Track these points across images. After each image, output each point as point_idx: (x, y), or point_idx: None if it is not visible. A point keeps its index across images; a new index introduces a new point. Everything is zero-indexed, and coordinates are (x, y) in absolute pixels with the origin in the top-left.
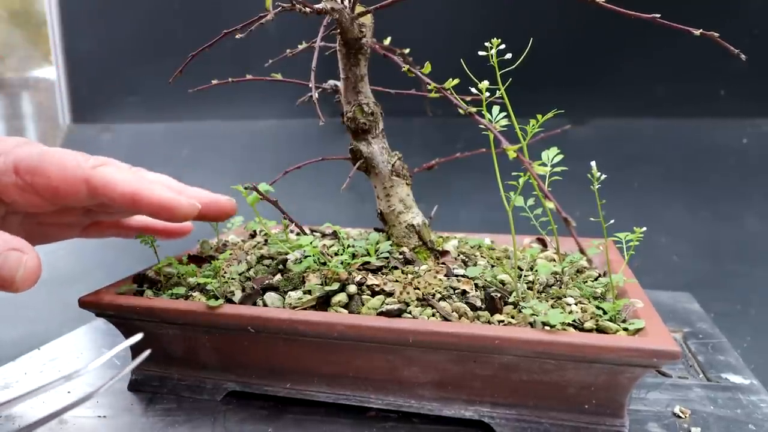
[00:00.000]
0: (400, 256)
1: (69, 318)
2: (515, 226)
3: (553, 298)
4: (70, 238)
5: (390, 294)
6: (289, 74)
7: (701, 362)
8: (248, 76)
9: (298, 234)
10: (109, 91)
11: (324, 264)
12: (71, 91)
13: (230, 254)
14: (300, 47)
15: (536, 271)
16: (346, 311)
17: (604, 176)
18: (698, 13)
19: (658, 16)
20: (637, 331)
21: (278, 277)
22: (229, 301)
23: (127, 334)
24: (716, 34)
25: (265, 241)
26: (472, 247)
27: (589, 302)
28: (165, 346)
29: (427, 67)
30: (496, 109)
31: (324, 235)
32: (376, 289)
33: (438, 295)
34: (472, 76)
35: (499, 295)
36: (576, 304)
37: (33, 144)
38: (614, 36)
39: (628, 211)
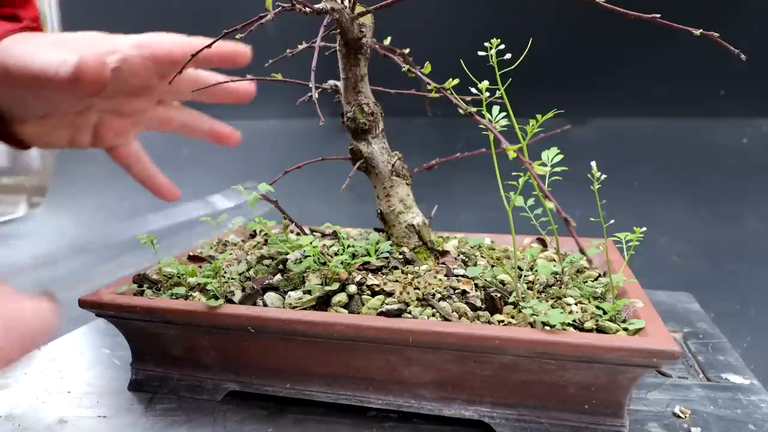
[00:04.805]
0: (400, 256)
1: (69, 318)
2: (515, 226)
3: (553, 298)
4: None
5: (390, 294)
6: (289, 74)
7: (701, 362)
8: (248, 76)
9: (298, 234)
10: None
11: (324, 264)
12: None
13: (230, 254)
14: (300, 47)
15: (536, 271)
16: (346, 311)
17: (604, 176)
18: (698, 13)
19: (658, 16)
20: (637, 331)
21: (278, 277)
22: (229, 301)
23: (127, 334)
24: (716, 34)
25: (265, 241)
26: (472, 247)
27: (589, 302)
28: (165, 346)
29: (427, 67)
30: (496, 109)
31: (324, 235)
32: (376, 289)
33: (438, 295)
34: (472, 76)
35: (499, 295)
36: (576, 304)
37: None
38: (614, 36)
39: (628, 211)
